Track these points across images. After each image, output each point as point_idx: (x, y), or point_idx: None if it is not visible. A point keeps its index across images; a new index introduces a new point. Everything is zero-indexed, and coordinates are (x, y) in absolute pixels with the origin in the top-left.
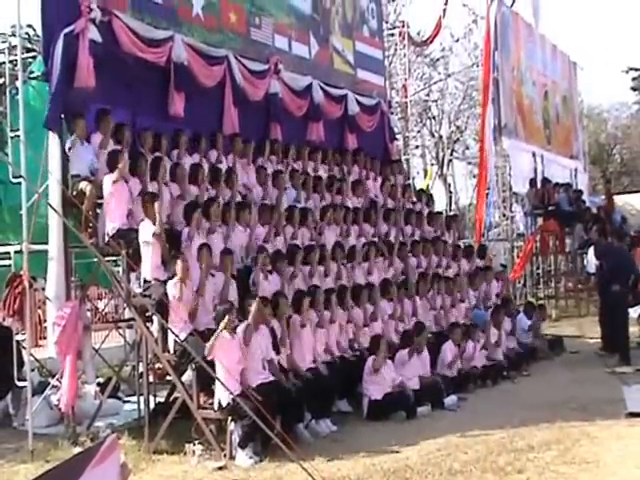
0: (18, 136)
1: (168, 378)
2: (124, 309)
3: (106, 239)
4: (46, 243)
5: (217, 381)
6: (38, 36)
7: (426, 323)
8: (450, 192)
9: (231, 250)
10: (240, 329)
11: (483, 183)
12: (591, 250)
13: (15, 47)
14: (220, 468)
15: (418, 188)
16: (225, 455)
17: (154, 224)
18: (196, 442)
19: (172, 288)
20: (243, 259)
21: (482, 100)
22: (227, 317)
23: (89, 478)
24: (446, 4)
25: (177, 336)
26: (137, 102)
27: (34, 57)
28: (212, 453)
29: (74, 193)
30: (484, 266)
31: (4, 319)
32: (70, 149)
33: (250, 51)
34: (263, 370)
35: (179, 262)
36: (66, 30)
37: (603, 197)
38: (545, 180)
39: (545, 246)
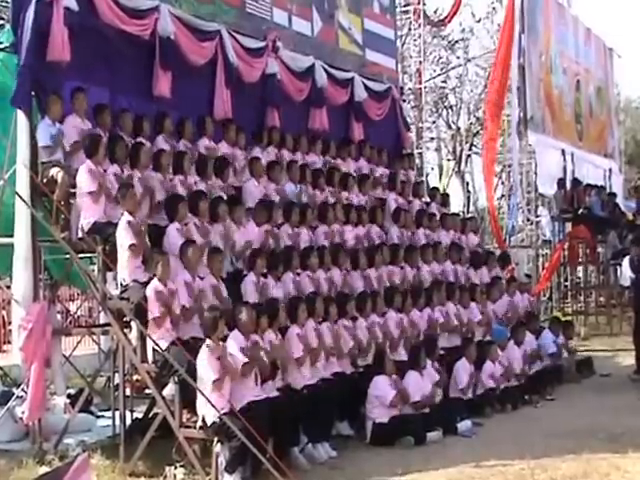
0: None
1: (147, 392)
2: (99, 313)
3: (80, 234)
4: (12, 236)
5: (202, 397)
6: (7, 2)
7: (438, 338)
8: (468, 191)
9: (220, 249)
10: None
11: (490, 176)
12: (626, 261)
13: None
14: None
15: (432, 186)
16: None
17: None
18: (177, 464)
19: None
20: (233, 261)
21: (492, 83)
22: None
23: None
24: None
25: (158, 345)
26: (117, 80)
27: (2, 26)
28: (195, 477)
29: (44, 180)
30: (507, 276)
31: None
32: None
33: (245, 26)
34: (255, 386)
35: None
36: None
37: None
38: (575, 181)
39: (574, 255)
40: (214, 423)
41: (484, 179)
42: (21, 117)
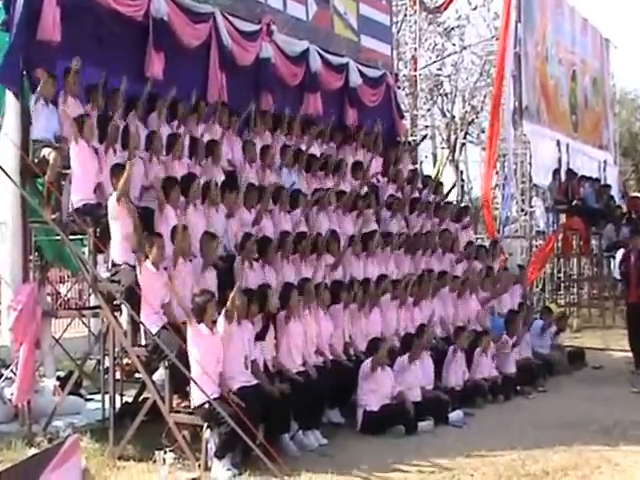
0: None
1: (137, 375)
2: (89, 295)
3: (70, 214)
4: None
5: (192, 382)
6: None
7: (431, 327)
8: (462, 180)
9: (216, 235)
10: (220, 323)
11: (491, 167)
12: (620, 253)
13: None
14: None
15: (425, 174)
16: (200, 465)
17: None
18: (167, 449)
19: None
20: (226, 246)
21: (496, 75)
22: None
23: None
24: None
25: (148, 329)
26: (109, 61)
27: None
28: (185, 462)
29: (35, 160)
30: (500, 266)
31: None
32: (31, 110)
33: (240, 9)
34: (245, 371)
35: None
36: None
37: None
38: (570, 172)
39: (567, 246)
40: (204, 408)
41: (484, 171)
42: (10, 95)
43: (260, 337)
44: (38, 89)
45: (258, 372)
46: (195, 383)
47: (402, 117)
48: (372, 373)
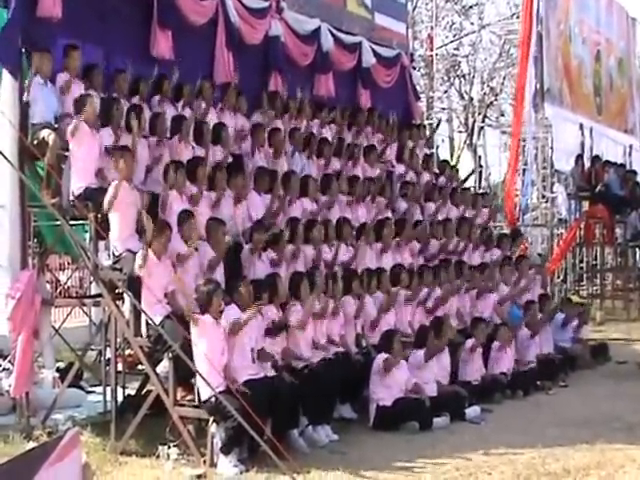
0: None
1: (140, 367)
2: (90, 283)
3: (71, 199)
4: None
5: (197, 374)
6: None
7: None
8: (480, 166)
9: (223, 221)
10: (227, 317)
11: (515, 154)
12: None
13: None
14: (199, 476)
15: (442, 159)
16: (205, 461)
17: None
18: (171, 444)
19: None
20: (232, 233)
21: (520, 56)
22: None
23: (45, 479)
24: None
25: (151, 319)
26: (112, 38)
27: None
28: (189, 458)
29: (34, 142)
30: (518, 255)
31: None
32: (29, 90)
33: None
34: (252, 364)
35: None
36: None
37: None
38: (594, 157)
39: (590, 235)
40: (210, 402)
41: (509, 158)
42: (7, 74)
43: (272, 331)
44: (34, 68)
45: (267, 358)
46: (201, 376)
47: (418, 99)
48: (386, 373)
